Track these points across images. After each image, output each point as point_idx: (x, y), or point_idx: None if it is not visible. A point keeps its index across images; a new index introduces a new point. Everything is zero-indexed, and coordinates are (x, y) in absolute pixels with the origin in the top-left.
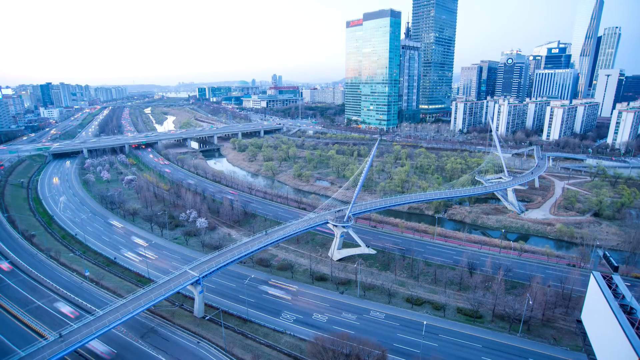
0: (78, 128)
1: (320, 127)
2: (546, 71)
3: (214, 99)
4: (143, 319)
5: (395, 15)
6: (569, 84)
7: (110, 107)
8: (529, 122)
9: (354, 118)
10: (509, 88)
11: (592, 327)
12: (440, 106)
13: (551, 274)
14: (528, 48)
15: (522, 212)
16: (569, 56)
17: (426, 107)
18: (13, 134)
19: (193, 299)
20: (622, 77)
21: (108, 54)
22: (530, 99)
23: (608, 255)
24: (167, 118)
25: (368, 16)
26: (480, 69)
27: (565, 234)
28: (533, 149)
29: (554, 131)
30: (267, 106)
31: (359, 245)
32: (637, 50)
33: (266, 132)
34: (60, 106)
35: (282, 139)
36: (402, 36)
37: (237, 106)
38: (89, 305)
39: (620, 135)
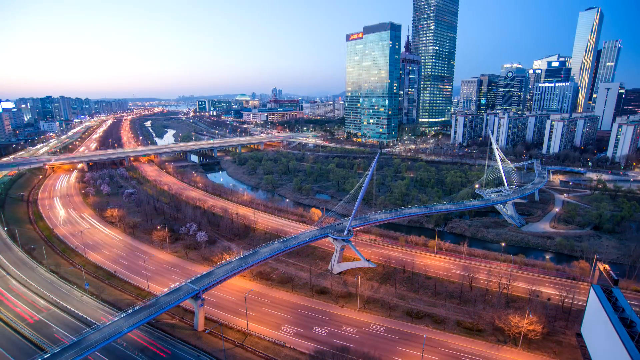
0: (78, 141)
1: (320, 141)
2: (546, 84)
3: (214, 113)
4: (143, 332)
5: (395, 29)
6: (569, 97)
7: (110, 121)
8: (529, 136)
9: (354, 131)
10: (509, 101)
11: (592, 340)
12: (440, 119)
13: (551, 287)
14: (528, 61)
15: (522, 225)
16: (569, 69)
17: (426, 120)
18: (13, 148)
19: (193, 312)
20: (622, 91)
21: (109, 67)
22: (530, 112)
23: (608, 268)
24: (167, 131)
25: (368, 29)
26: (480, 82)
27: (565, 247)
28: (533, 162)
29: (554, 144)
30: (267, 119)
31: (359, 259)
32: (638, 64)
33: (266, 145)
34: (61, 119)
35: (282, 152)
36: (402, 49)
37: (237, 119)
38: (89, 319)
39: (620, 148)
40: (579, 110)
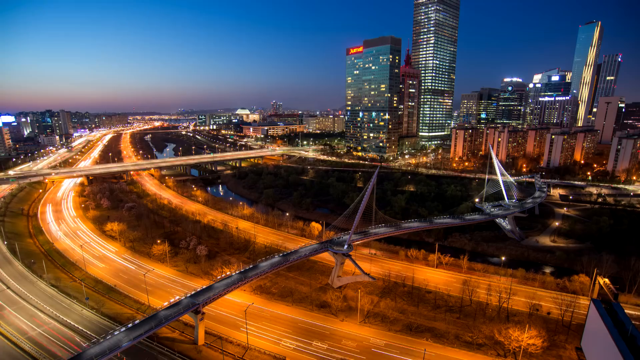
0: (78, 155)
1: (320, 155)
2: (546, 98)
3: (214, 127)
4: (143, 347)
5: (395, 43)
6: (569, 111)
7: (110, 134)
8: (529, 149)
9: (354, 145)
10: (509, 115)
11: (592, 354)
12: (440, 133)
13: (551, 301)
14: (528, 75)
15: (522, 239)
16: (569, 83)
17: (426, 134)
18: (13, 162)
19: (193, 326)
20: (622, 105)
21: (109, 81)
22: (530, 126)
23: (608, 282)
24: (167, 145)
25: (368, 43)
26: (481, 96)
27: (565, 261)
28: (533, 176)
29: (554, 158)
30: (267, 133)
31: (359, 273)
32: (638, 77)
33: (266, 159)
34: (61, 133)
35: (282, 166)
36: (403, 63)
37: (237, 133)
38: (89, 333)
39: (620, 162)
40: (579, 124)
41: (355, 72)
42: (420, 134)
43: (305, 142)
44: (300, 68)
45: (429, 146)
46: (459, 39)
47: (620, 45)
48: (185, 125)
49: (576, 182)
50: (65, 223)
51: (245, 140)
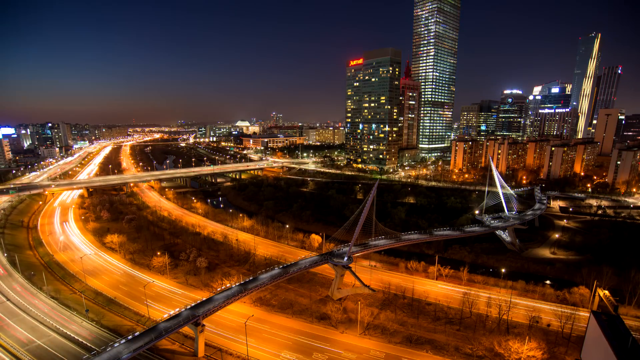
0: (78, 167)
1: (320, 167)
2: (546, 110)
3: (215, 139)
4: (144, 359)
5: (395, 55)
6: (569, 123)
7: (110, 147)
8: (529, 161)
9: (354, 157)
10: (509, 127)
11: None
12: (440, 145)
13: (551, 313)
14: (528, 88)
15: (522, 251)
16: (569, 95)
17: (426, 146)
18: (13, 175)
19: (193, 338)
20: (622, 117)
21: (109, 93)
22: (530, 138)
23: (608, 294)
24: (167, 157)
25: (368, 55)
26: (480, 108)
27: (565, 273)
28: (533, 188)
29: (554, 170)
30: (267, 145)
31: (359, 285)
32: (637, 90)
33: (266, 171)
34: (61, 145)
35: (282, 178)
36: (403, 75)
37: (237, 145)
38: (89, 345)
39: (620, 174)
40: (579, 136)
41: (355, 84)
42: (420, 146)
43: (305, 154)
44: (301, 80)
45: (429, 158)
46: (459, 51)
47: (620, 57)
48: (185, 137)
49: (576, 194)
50: (65, 235)
51: (245, 152)
